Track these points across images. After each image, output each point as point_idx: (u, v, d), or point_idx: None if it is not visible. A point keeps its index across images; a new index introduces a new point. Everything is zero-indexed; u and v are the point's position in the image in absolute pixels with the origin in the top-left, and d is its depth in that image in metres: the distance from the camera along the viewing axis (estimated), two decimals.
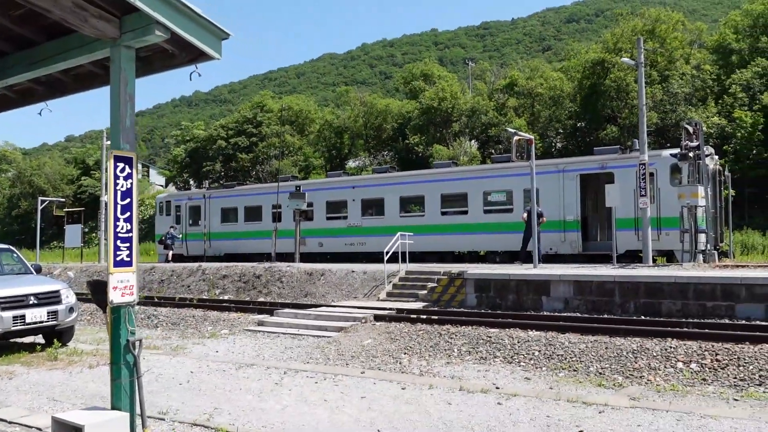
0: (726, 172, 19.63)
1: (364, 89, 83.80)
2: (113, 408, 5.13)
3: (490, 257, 22.58)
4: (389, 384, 8.92)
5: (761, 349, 9.40)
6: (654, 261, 19.93)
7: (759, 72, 37.69)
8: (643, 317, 13.05)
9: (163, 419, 7.28)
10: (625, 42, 42.91)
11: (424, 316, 13.64)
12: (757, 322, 11.81)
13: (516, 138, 16.45)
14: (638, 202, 17.21)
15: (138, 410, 5.21)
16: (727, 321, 12.18)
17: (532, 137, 17.48)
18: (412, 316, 13.78)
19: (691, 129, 16.73)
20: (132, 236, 5.14)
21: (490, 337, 11.41)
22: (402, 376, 9.36)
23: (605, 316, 13.26)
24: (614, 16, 61.37)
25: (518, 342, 10.97)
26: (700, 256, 16.48)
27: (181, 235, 29.11)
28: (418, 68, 63.45)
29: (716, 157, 19.98)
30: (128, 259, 5.09)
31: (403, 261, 18.96)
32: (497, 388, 8.48)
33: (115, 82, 5.14)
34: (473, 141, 51.58)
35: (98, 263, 29.25)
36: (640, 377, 8.96)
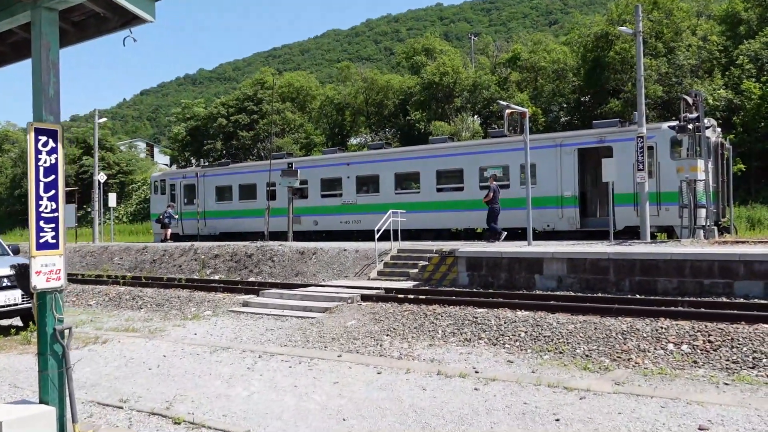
0: (728, 145, 18.97)
1: (369, 65, 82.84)
2: (41, 402, 4.75)
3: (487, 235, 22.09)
4: (365, 368, 8.55)
5: (756, 329, 8.95)
6: (654, 237, 19.47)
7: (767, 42, 36.73)
8: (638, 296, 12.61)
9: (122, 407, 6.95)
10: (630, 14, 41.76)
11: (412, 296, 13.26)
12: (756, 301, 11.36)
13: (508, 111, 15.88)
14: (636, 176, 16.66)
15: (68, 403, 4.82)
16: (724, 299, 11.73)
17: (527, 110, 16.91)
18: (400, 296, 13.40)
19: (690, 100, 16.09)
20: (58, 216, 4.72)
21: (476, 317, 11.00)
22: (380, 360, 8.99)
23: (598, 294, 12.82)
24: None
25: (505, 323, 10.57)
26: (701, 232, 15.97)
27: (177, 215, 28.53)
28: (420, 43, 62.49)
29: (719, 129, 19.34)
30: (53, 240, 4.68)
31: (396, 239, 18.54)
32: (476, 372, 8.09)
33: (36, 48, 4.68)
34: (475, 116, 50.86)
35: (92, 243, 28.99)
36: (628, 360, 8.54)
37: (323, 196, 25.22)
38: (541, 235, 20.56)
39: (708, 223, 16.42)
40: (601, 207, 21.17)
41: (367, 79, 56.81)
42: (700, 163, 15.91)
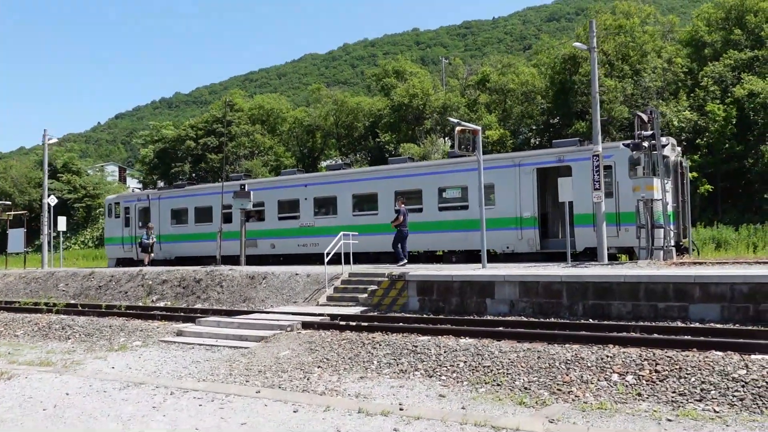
0: (685, 163, 18.54)
1: (346, 89, 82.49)
2: None
3: (447, 258, 21.47)
4: (283, 406, 7.76)
5: (707, 357, 8.33)
6: (616, 258, 18.97)
7: (731, 65, 36.97)
8: (591, 320, 12.00)
9: None
10: (598, 37, 42.04)
11: (354, 324, 12.49)
12: (710, 325, 10.79)
13: (458, 129, 15.32)
14: (592, 196, 16.15)
15: None
16: (679, 324, 11.15)
17: (479, 128, 16.38)
18: (341, 323, 12.63)
19: (645, 117, 15.68)
20: None
21: (416, 346, 10.27)
22: (301, 396, 8.20)
23: (550, 320, 12.17)
24: (591, 12, 60.65)
25: (445, 352, 9.84)
26: (659, 253, 15.46)
27: (154, 238, 26.85)
28: (390, 65, 62.39)
29: (678, 148, 18.99)
30: None
31: (348, 262, 17.80)
32: (401, 409, 7.34)
33: None
34: (446, 138, 50.59)
35: (40, 269, 27.81)
36: (569, 392, 7.85)
37: (281, 218, 24.43)
38: (501, 258, 19.97)
39: (666, 244, 15.92)
40: (562, 228, 20.62)
41: (338, 101, 56.39)
42: (656, 181, 15.44)
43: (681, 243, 18.61)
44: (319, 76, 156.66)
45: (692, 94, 37.42)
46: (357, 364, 9.81)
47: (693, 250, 19.36)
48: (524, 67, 49.66)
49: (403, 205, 19.30)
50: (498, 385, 8.38)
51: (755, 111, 33.07)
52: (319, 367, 9.83)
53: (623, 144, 16.97)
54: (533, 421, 6.68)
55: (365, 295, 15.50)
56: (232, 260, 23.88)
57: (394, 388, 8.52)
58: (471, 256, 20.22)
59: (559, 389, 7.98)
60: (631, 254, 18.39)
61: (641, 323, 11.24)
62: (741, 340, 9.15)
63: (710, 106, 34.33)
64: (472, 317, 13.16)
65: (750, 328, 10.23)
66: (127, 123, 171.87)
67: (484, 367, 9.05)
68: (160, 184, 63.01)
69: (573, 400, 7.59)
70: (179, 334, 13.25)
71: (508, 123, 46.64)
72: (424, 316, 13.68)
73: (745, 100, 33.30)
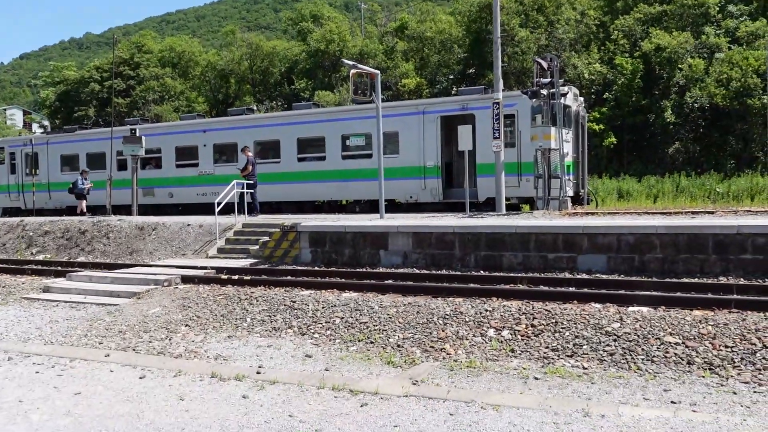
0: (582, 113, 18.36)
1: (269, 34, 79.19)
2: None
3: (352, 208, 20.93)
4: (131, 371, 7.05)
5: (584, 310, 8.14)
6: (518, 208, 18.92)
7: (641, 18, 37.40)
8: (482, 272, 11.74)
9: None
10: None
11: (236, 277, 11.79)
12: (598, 276, 10.71)
13: (353, 72, 14.53)
14: (492, 145, 15.83)
15: None
16: (567, 275, 11.02)
17: (378, 72, 15.62)
18: (223, 277, 11.90)
19: (545, 64, 15.35)
20: None
21: (294, 302, 9.69)
22: (154, 360, 7.49)
23: (441, 272, 11.84)
24: None
25: (323, 307, 9.31)
26: (556, 203, 15.41)
27: (91, 183, 22.97)
28: (308, 8, 60.27)
29: (581, 98, 18.89)
30: None
31: (241, 212, 16.96)
32: (258, 373, 6.76)
33: None
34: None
35: None
36: (441, 350, 7.48)
37: (179, 166, 23.11)
38: (404, 208, 19.59)
39: (562, 194, 15.86)
40: (470, 178, 20.39)
41: (252, 44, 54.08)
42: (554, 131, 15.25)
43: (580, 194, 18.70)
44: (240, 19, 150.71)
45: (603, 47, 37.81)
46: (228, 322, 9.15)
47: (591, 200, 19.53)
48: (442, 14, 48.92)
49: (250, 154, 18.77)
50: (371, 342, 7.92)
51: (661, 65, 33.70)
52: (186, 325, 9.11)
53: (521, 91, 16.66)
54: (394, 383, 6.24)
55: (257, 247, 14.77)
56: (127, 210, 22.49)
57: (260, 348, 7.93)
58: (376, 206, 19.70)
59: (432, 346, 7.60)
60: (532, 204, 18.36)
61: (530, 274, 11.06)
62: (620, 292, 9.04)
63: (618, 60, 34.75)
64: (364, 269, 12.70)
65: (633, 278, 10.18)
66: (33, 64, 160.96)
67: (360, 323, 8.57)
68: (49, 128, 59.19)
69: (444, 358, 7.22)
70: (46, 290, 12.16)
71: (425, 72, 46.06)
72: (315, 268, 13.10)
73: (652, 54, 33.84)
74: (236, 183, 16.66)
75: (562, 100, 16.53)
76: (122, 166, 23.45)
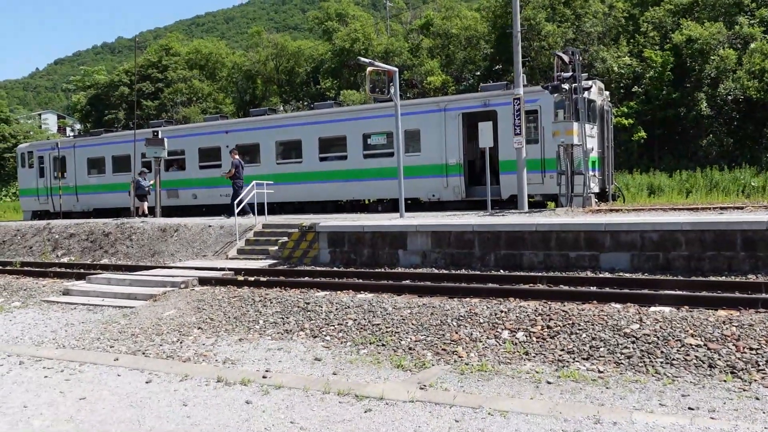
0: (606, 107, 17.79)
1: (297, 35, 79.51)
2: None
3: (374, 207, 20.77)
4: (138, 375, 7.00)
5: (602, 310, 7.85)
6: (544, 206, 18.57)
7: (671, 9, 36.53)
8: (502, 271, 11.50)
9: None
10: None
11: (252, 279, 11.72)
12: (621, 275, 10.39)
13: (370, 69, 14.37)
14: (514, 141, 15.52)
15: None
16: (589, 274, 10.73)
17: (395, 69, 15.42)
18: (240, 278, 11.84)
19: (566, 58, 14.97)
20: None
21: (308, 303, 9.57)
22: (162, 364, 7.42)
23: (460, 271, 11.62)
24: None
25: (337, 309, 9.17)
26: (580, 200, 15.04)
27: (152, 182, 22.09)
28: (333, 7, 60.27)
29: (606, 92, 18.42)
30: None
31: (262, 213, 16.94)
32: (264, 377, 6.64)
33: None
34: (389, 85, 49.26)
35: None
36: (454, 352, 7.28)
37: (202, 167, 23.21)
38: (427, 206, 19.37)
39: (586, 191, 15.47)
40: (492, 175, 20.08)
41: (277, 45, 54.29)
42: (576, 126, 14.87)
43: (606, 190, 18.26)
44: (269, 20, 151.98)
45: (632, 40, 37.03)
46: (241, 324, 9.07)
47: (618, 196, 19.06)
48: (467, 11, 48.47)
49: (236, 157, 18.73)
50: (383, 345, 7.75)
51: (692, 57, 32.85)
52: (199, 328, 9.05)
53: (542, 86, 16.31)
54: (401, 388, 6.06)
55: (276, 247, 14.71)
56: (152, 212, 22.67)
57: (270, 351, 7.81)
58: (398, 205, 19.55)
59: (444, 349, 7.40)
60: (558, 202, 17.99)
61: (551, 274, 10.79)
62: (642, 291, 8.74)
63: (648, 52, 33.98)
64: (383, 270, 12.55)
65: (656, 277, 9.85)
66: (68, 69, 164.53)
67: (373, 325, 8.41)
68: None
69: (455, 361, 7.02)
70: (66, 293, 12.25)
71: (451, 69, 45.67)
72: (334, 269, 12.98)
73: (683, 46, 33.01)
74: (256, 183, 16.62)
75: (585, 95, 16.14)
76: (147, 168, 23.63)
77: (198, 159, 23.21)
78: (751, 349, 6.44)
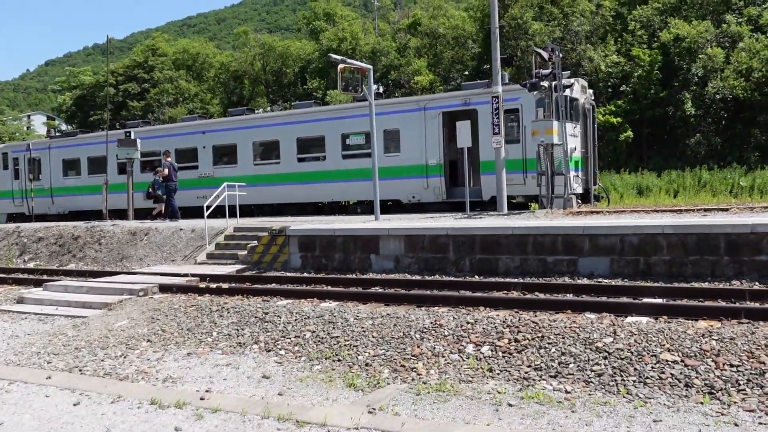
0: (587, 105, 17.21)
1: (288, 35, 78.82)
2: None
3: (354, 209, 20.23)
4: (68, 396, 6.42)
5: (575, 322, 7.32)
6: (527, 207, 18.07)
7: (659, 8, 36.14)
8: (477, 277, 10.97)
9: None
10: None
11: (214, 286, 11.15)
12: (600, 281, 9.89)
13: (341, 67, 13.81)
14: (492, 140, 15.00)
15: None
16: (567, 280, 10.21)
17: (369, 67, 14.88)
18: (201, 285, 11.27)
19: (546, 55, 14.45)
20: None
21: (267, 313, 9.00)
22: (96, 383, 6.84)
23: (433, 277, 11.09)
24: None
25: (296, 319, 8.61)
26: (560, 202, 14.54)
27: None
28: (320, 7, 59.69)
29: (590, 90, 17.93)
30: None
31: (233, 215, 16.37)
32: (203, 399, 6.07)
33: None
34: (378, 84, 48.78)
35: None
36: (413, 369, 6.73)
37: (179, 168, 22.55)
38: (408, 208, 18.85)
39: (567, 193, 14.96)
40: (473, 176, 19.57)
41: (264, 45, 53.68)
42: (556, 125, 14.37)
43: (592, 190, 17.76)
44: (260, 21, 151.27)
45: (620, 39, 36.61)
46: (193, 336, 8.49)
47: (603, 198, 18.58)
48: (455, 10, 48.01)
49: (169, 159, 18.85)
50: (338, 360, 7.19)
51: (680, 56, 32.45)
52: (148, 341, 8.47)
53: (520, 84, 15.81)
54: (347, 412, 5.51)
55: (245, 252, 14.14)
56: (125, 214, 22.07)
57: (217, 367, 7.25)
58: (380, 207, 19.01)
59: (403, 365, 6.85)
60: (541, 203, 17.49)
61: (526, 280, 10.29)
62: (618, 300, 8.23)
63: (636, 51, 33.56)
64: (354, 275, 12.02)
65: (636, 283, 9.35)
66: (58, 70, 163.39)
67: (332, 337, 7.85)
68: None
69: (413, 379, 6.47)
70: (20, 301, 11.64)
71: (439, 69, 45.18)
72: (304, 275, 12.44)
73: (671, 44, 32.62)
74: (227, 185, 16.06)
75: (567, 93, 15.64)
76: (123, 170, 23.03)
77: (174, 160, 22.53)
78: (731, 365, 5.91)
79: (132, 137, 20.17)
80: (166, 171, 18.54)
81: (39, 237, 18.61)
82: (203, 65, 60.02)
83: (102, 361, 7.70)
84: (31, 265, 17.10)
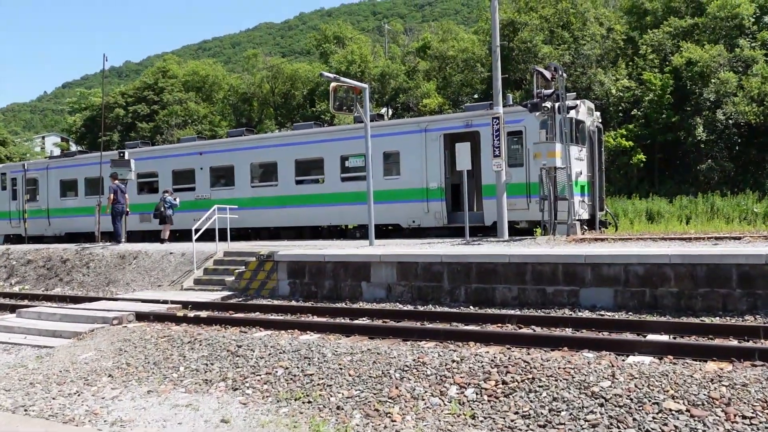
0: (593, 128, 16.49)
1: (302, 59, 79.11)
2: None
3: (353, 233, 19.62)
4: None
5: (570, 362, 6.62)
6: (532, 233, 17.36)
7: (671, 32, 35.59)
8: (472, 308, 10.29)
9: None
10: (536, 1, 40.27)
11: (192, 315, 10.54)
12: (602, 314, 9.17)
13: (333, 85, 13.29)
14: (492, 164, 14.38)
15: None
16: (567, 312, 9.51)
17: (365, 86, 14.38)
18: (179, 314, 10.67)
19: (548, 74, 13.86)
20: None
21: (240, 346, 8.36)
22: (38, 426, 6.19)
23: (426, 308, 10.42)
24: None
25: (270, 353, 7.95)
26: (564, 228, 13.85)
27: (178, 201, 19.84)
28: (331, 30, 59.83)
29: (597, 113, 17.29)
30: None
31: (224, 239, 15.81)
32: None
33: None
34: (387, 107, 48.51)
35: None
36: (387, 414, 6.05)
37: (175, 190, 22.05)
38: (408, 233, 18.20)
39: (571, 218, 14.25)
40: (477, 200, 18.92)
41: (273, 67, 53.71)
42: (559, 147, 13.72)
43: (599, 216, 17.03)
44: (275, 45, 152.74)
45: (631, 63, 36.07)
46: (158, 371, 7.85)
47: (610, 224, 17.84)
48: (464, 33, 47.80)
49: (116, 182, 18.75)
50: (308, 402, 6.53)
51: (692, 80, 31.81)
52: (109, 375, 7.84)
53: (521, 104, 15.22)
54: None
55: (233, 277, 13.53)
56: (134, 238, 21.66)
57: (176, 408, 6.60)
58: (379, 231, 18.40)
59: (377, 409, 6.17)
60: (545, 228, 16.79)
61: (524, 311, 9.60)
62: (621, 337, 7.53)
63: (647, 75, 32.98)
64: (343, 305, 11.37)
65: (641, 317, 8.64)
66: (74, 92, 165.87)
67: (305, 375, 7.19)
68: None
69: (386, 426, 5.79)
70: None
71: (448, 91, 44.80)
72: (293, 303, 11.81)
73: (683, 69, 32.01)
74: (217, 207, 15.52)
75: (572, 114, 15.02)
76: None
77: (171, 181, 22.12)
78: (743, 417, 5.20)
79: (126, 157, 19.74)
80: (112, 195, 18.40)
81: (28, 260, 18.14)
82: (213, 87, 60.16)
83: (53, 399, 7.07)
84: (17, 288, 16.59)
